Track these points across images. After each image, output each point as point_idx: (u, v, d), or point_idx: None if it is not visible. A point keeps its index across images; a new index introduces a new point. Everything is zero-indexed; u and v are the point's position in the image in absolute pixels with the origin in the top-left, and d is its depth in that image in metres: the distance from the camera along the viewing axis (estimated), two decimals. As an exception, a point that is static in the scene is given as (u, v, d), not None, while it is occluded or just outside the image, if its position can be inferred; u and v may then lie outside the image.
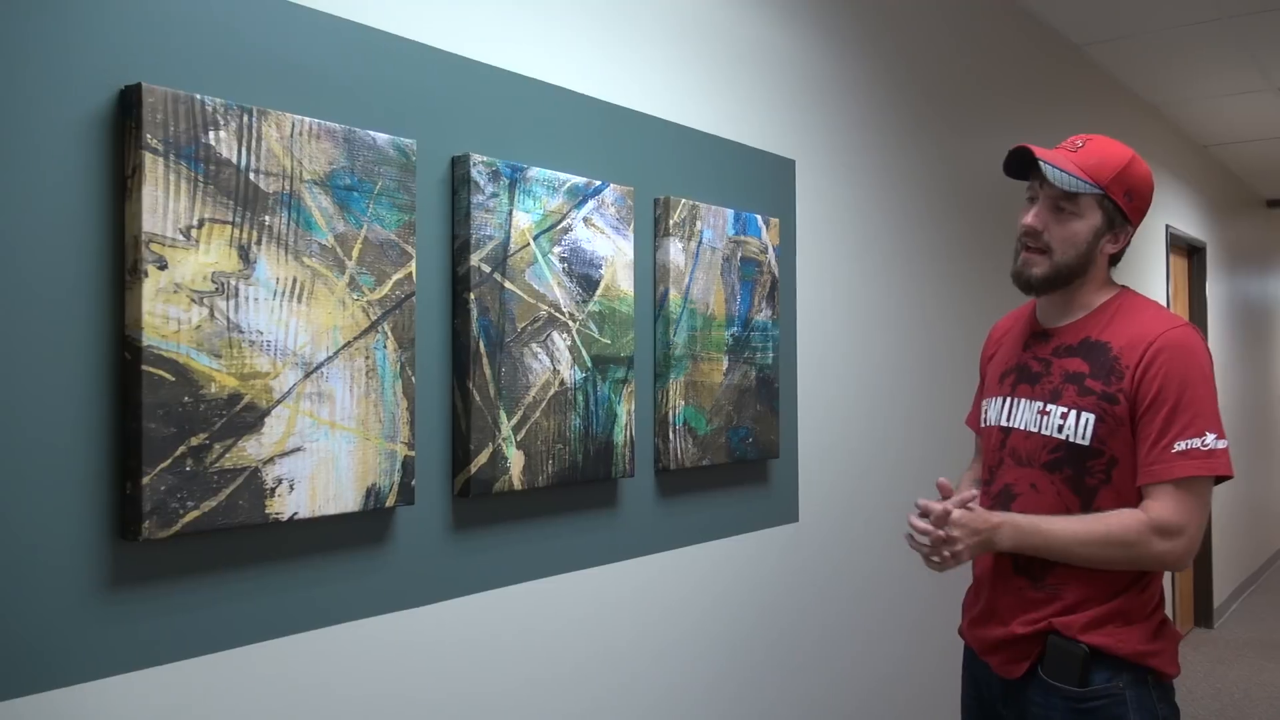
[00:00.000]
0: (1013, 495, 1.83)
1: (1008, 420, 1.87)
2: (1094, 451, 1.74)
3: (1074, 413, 1.75)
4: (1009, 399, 1.88)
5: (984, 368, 2.07)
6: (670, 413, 2.06)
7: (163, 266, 1.27)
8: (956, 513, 1.71)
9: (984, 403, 1.98)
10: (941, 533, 1.71)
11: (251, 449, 1.36)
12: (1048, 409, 1.79)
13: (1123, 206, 1.79)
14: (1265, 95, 5.15)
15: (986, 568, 1.88)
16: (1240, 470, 6.85)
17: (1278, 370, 8.40)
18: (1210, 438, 1.69)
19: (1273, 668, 5.31)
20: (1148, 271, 5.18)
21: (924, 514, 1.74)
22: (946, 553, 1.71)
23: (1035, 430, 1.80)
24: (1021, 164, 1.82)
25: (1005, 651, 1.83)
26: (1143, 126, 5.23)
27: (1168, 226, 5.50)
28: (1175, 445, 1.69)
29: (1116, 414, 1.73)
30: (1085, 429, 1.74)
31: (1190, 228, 5.95)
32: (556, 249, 1.81)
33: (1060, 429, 1.76)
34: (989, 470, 1.91)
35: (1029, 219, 1.80)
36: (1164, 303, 5.40)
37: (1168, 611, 5.24)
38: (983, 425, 1.97)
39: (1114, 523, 1.70)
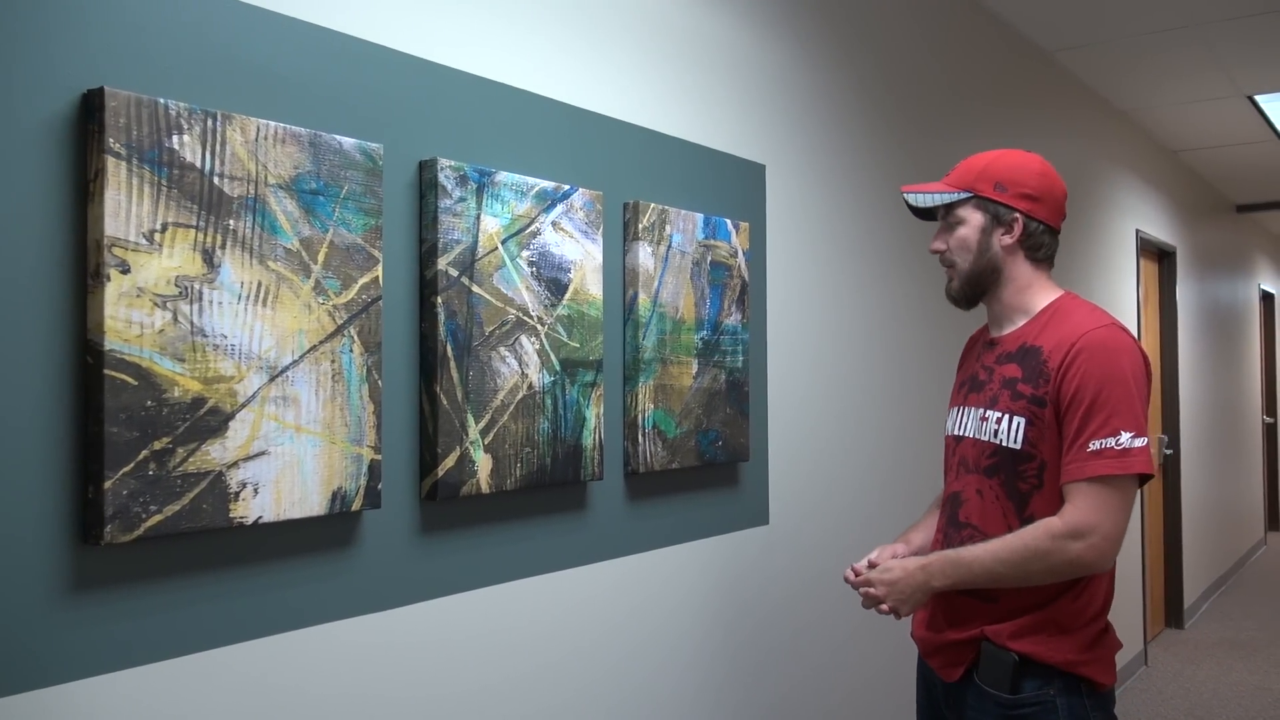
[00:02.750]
0: (960, 501, 1.88)
1: (959, 429, 1.93)
2: (1025, 455, 1.77)
3: (1007, 417, 1.79)
4: (960, 408, 1.95)
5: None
6: (639, 416, 2.07)
7: (125, 270, 1.27)
8: (870, 574, 1.85)
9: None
10: (868, 588, 1.84)
11: (215, 453, 1.36)
12: (987, 415, 1.84)
13: (996, 198, 1.84)
14: (1233, 101, 5.22)
15: None
16: (1209, 473, 6.92)
17: (1247, 373, 8.50)
18: (1125, 436, 1.68)
19: (1241, 667, 5.37)
20: (1118, 275, 5.24)
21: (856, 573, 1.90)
22: (884, 606, 1.83)
23: (977, 436, 1.85)
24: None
25: (943, 655, 1.89)
26: (1113, 132, 5.28)
27: (1138, 231, 5.56)
28: (1090, 444, 1.69)
29: (1045, 417, 1.75)
30: (1016, 433, 1.77)
31: (1160, 232, 6.01)
32: (525, 253, 1.82)
33: (996, 434, 1.80)
34: (945, 478, 1.98)
35: (932, 245, 1.93)
36: (1134, 306, 5.46)
37: (1140, 612, 5.32)
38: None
39: (1028, 537, 1.71)
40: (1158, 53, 4.42)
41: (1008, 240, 1.85)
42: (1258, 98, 5.15)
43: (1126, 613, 5.19)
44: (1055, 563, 1.70)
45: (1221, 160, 6.61)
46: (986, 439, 1.82)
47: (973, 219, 1.87)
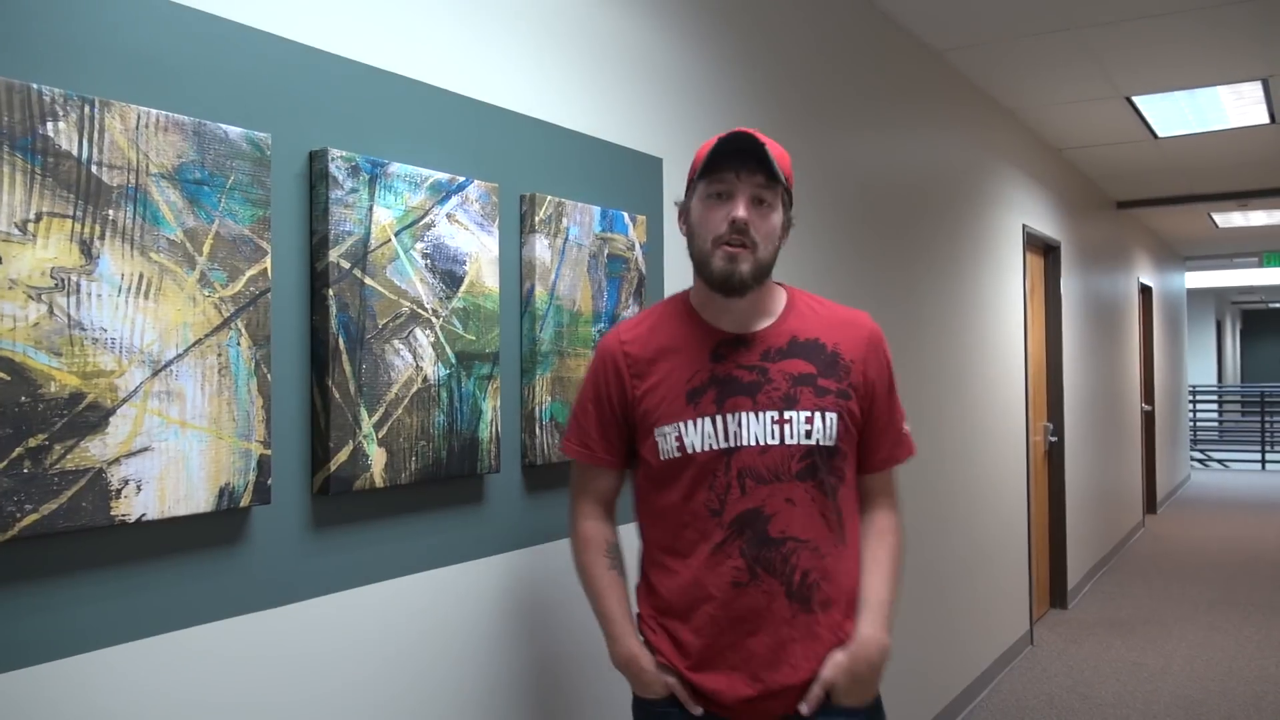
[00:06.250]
0: (765, 517, 1.70)
1: (726, 440, 1.70)
2: (837, 450, 1.73)
3: (818, 415, 1.70)
4: (718, 417, 1.71)
5: (623, 394, 1.80)
6: (537, 408, 2.07)
7: (-4, 262, 1.22)
8: (841, 693, 1.72)
9: (662, 430, 1.74)
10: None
11: (95, 449, 1.32)
12: (787, 416, 1.69)
13: (791, 202, 1.77)
14: (1112, 102, 5.43)
15: (750, 605, 1.70)
16: (1091, 459, 7.21)
17: (1127, 363, 8.86)
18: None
19: (1120, 644, 5.61)
20: (1005, 268, 5.41)
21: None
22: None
23: (775, 442, 1.69)
24: (729, 153, 1.68)
25: (794, 693, 1.72)
26: (1001, 130, 5.45)
27: (1024, 226, 5.75)
28: (904, 427, 1.84)
29: (851, 410, 1.75)
30: (831, 429, 1.71)
31: (1045, 227, 6.23)
32: (419, 245, 1.80)
33: (809, 434, 1.70)
34: (717, 499, 1.71)
35: (742, 212, 1.66)
36: (1021, 298, 5.65)
37: (1026, 593, 5.52)
38: (670, 456, 1.74)
39: (889, 546, 1.81)
40: (1041, 54, 4.57)
41: (783, 242, 1.76)
42: (1135, 99, 5.37)
43: (1013, 594, 5.37)
44: (902, 543, 1.84)
45: (1103, 158, 6.88)
46: (795, 441, 1.69)
47: (780, 211, 1.73)
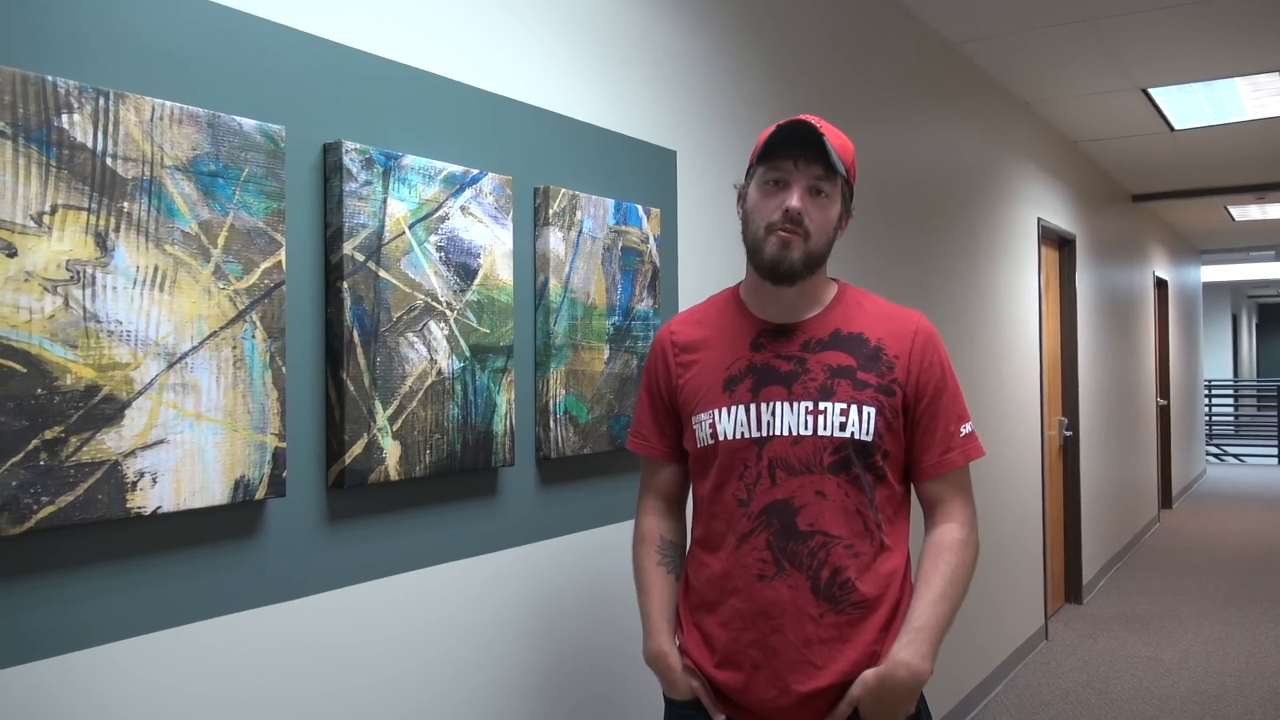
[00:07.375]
0: (794, 509, 1.66)
1: (759, 429, 1.69)
2: (874, 447, 1.67)
3: (854, 408, 1.66)
4: (753, 405, 1.69)
5: (669, 382, 1.82)
6: (551, 401, 2.07)
7: (12, 254, 1.22)
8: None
9: (699, 418, 1.75)
10: None
11: (111, 442, 1.32)
12: (822, 407, 1.66)
13: (851, 193, 1.74)
14: (1128, 94, 5.39)
15: (773, 599, 1.67)
16: (1106, 454, 7.17)
17: (1142, 357, 8.82)
18: (970, 422, 1.75)
19: (1135, 640, 5.58)
20: (1020, 262, 5.38)
21: None
22: None
23: (809, 433, 1.66)
24: (788, 141, 1.65)
25: (821, 699, 1.66)
26: (1016, 122, 5.42)
27: (1039, 219, 5.72)
28: (961, 430, 1.73)
29: (893, 406, 1.68)
30: (868, 424, 1.66)
31: (1061, 220, 6.19)
32: (433, 238, 1.80)
33: (843, 426, 1.65)
34: (745, 489, 1.70)
35: (796, 202, 1.64)
36: (1036, 292, 5.62)
37: (1041, 588, 5.50)
38: (704, 444, 1.74)
39: (949, 559, 1.68)
40: (1057, 46, 4.54)
41: (839, 234, 1.74)
42: (1151, 90, 5.33)
43: (1028, 589, 5.35)
44: (974, 563, 1.71)
45: (1118, 151, 6.84)
46: (829, 433, 1.65)
47: (837, 203, 1.70)
